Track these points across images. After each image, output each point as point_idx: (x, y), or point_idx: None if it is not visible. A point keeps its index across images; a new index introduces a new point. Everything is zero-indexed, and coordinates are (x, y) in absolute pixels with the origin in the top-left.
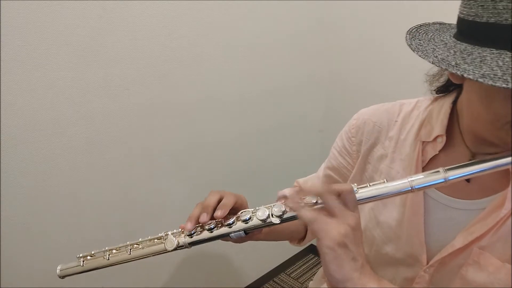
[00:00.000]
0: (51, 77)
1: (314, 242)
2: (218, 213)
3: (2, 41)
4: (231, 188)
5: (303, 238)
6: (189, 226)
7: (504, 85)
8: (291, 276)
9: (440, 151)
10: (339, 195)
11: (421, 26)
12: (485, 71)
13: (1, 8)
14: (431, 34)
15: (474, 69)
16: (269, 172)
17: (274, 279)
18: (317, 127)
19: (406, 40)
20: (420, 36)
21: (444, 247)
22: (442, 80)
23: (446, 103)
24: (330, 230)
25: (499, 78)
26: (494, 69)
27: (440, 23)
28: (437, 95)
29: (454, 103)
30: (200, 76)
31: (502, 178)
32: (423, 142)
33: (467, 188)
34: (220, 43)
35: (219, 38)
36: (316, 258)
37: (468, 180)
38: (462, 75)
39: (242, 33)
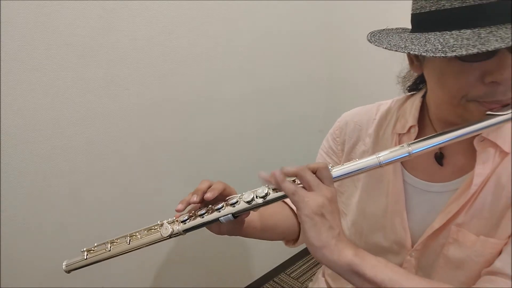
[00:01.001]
0: (51, 77)
1: None
2: (208, 195)
3: (2, 41)
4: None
5: (297, 239)
6: (180, 206)
7: (442, 55)
8: (291, 276)
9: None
10: (315, 172)
11: (384, 30)
12: (428, 47)
13: (1, 8)
14: (392, 34)
15: (419, 47)
16: (269, 172)
17: (274, 279)
18: (317, 127)
19: (367, 37)
20: (380, 35)
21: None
22: (412, 79)
23: (417, 98)
24: (308, 201)
25: (439, 50)
26: (436, 45)
27: (403, 28)
28: (409, 93)
29: (424, 97)
30: (200, 76)
31: (472, 159)
32: (399, 134)
33: (440, 172)
34: (220, 43)
35: (219, 38)
36: None
37: (441, 164)
38: (409, 53)
39: (242, 33)
